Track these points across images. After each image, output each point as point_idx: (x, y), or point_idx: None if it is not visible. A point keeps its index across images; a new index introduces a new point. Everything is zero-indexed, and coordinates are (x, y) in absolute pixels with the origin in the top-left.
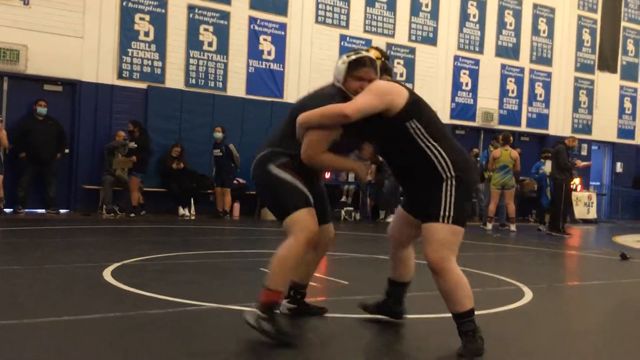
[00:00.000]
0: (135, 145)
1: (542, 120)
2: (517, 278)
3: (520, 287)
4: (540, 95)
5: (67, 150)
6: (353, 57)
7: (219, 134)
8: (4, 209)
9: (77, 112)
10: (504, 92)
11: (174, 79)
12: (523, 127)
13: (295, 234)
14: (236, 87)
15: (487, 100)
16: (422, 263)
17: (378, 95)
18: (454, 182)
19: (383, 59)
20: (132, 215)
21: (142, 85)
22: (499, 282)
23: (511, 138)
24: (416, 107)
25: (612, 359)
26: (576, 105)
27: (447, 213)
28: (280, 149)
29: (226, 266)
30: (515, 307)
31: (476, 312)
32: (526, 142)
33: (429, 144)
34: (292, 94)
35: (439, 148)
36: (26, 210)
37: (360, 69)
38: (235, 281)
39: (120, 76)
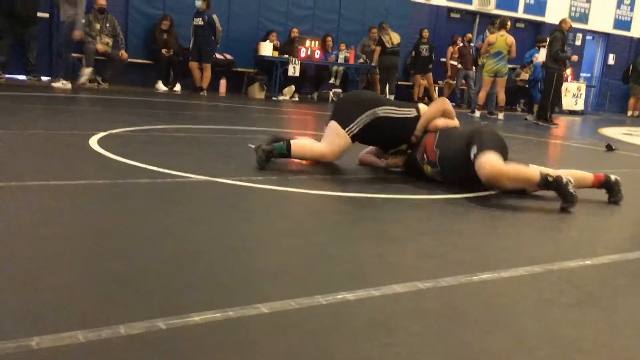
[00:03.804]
0: None
1: (539, 6)
2: None
3: None
4: None
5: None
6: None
7: (199, 2)
8: None
9: None
10: None
11: None
12: (520, 14)
13: None
14: None
15: None
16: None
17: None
18: None
19: None
20: None
21: None
22: None
23: (508, 23)
24: None
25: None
26: None
27: None
28: None
29: (214, 141)
30: (485, 195)
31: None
32: (521, 29)
33: None
34: None
35: None
36: (7, 76)
37: None
38: (223, 155)
39: None
